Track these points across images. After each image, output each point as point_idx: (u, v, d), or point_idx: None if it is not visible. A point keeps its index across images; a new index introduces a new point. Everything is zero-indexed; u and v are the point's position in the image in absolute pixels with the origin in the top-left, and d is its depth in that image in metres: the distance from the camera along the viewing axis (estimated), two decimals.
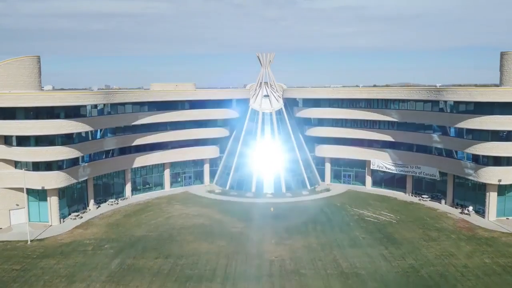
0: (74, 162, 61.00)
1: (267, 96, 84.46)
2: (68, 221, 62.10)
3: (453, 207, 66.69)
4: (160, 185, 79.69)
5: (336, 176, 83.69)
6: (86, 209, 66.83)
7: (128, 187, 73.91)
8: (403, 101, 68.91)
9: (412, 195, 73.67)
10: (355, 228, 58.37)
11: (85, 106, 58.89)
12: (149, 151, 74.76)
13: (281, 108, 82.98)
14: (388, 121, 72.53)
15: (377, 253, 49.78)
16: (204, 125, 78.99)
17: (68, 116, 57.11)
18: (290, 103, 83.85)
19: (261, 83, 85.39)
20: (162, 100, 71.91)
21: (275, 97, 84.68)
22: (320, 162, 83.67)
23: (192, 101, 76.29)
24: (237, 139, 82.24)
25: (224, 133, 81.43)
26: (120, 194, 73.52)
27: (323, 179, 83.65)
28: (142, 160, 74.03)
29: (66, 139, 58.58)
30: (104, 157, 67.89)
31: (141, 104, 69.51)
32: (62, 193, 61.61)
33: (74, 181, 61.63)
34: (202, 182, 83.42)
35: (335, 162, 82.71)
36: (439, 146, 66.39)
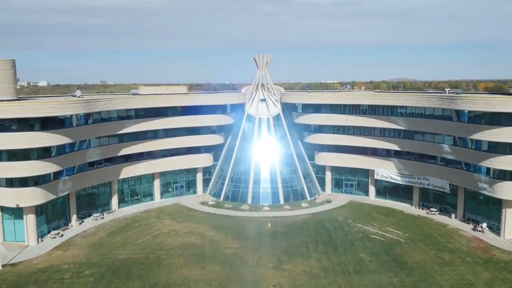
0: (53, 176, 55.62)
1: (264, 100, 79.26)
2: (47, 240, 56.89)
3: (464, 222, 61.88)
4: (150, 195, 74.54)
5: (338, 185, 78.72)
6: (68, 225, 61.64)
7: (114, 200, 68.70)
8: (411, 108, 63.75)
9: (419, 208, 68.81)
10: (360, 249, 53.45)
11: (63, 116, 53.38)
12: (137, 160, 69.55)
13: (279, 114, 77.79)
14: (394, 129, 67.48)
15: (386, 281, 44.90)
16: (196, 132, 73.81)
17: (44, 127, 51.72)
18: (289, 108, 78.72)
19: (257, 85, 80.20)
20: (151, 107, 66.50)
21: (272, 101, 79.47)
22: (320, 170, 78.67)
23: (184, 107, 70.90)
24: (232, 146, 77.11)
25: (218, 140, 76.25)
26: (106, 206, 68.31)
27: (323, 188, 78.69)
28: (129, 171, 68.80)
29: (43, 153, 53.19)
30: (87, 168, 62.51)
31: (128, 111, 64.07)
32: (40, 209, 56.39)
33: (53, 197, 56.39)
34: (194, 192, 78.28)
35: (336, 170, 77.71)
36: (450, 157, 61.40)
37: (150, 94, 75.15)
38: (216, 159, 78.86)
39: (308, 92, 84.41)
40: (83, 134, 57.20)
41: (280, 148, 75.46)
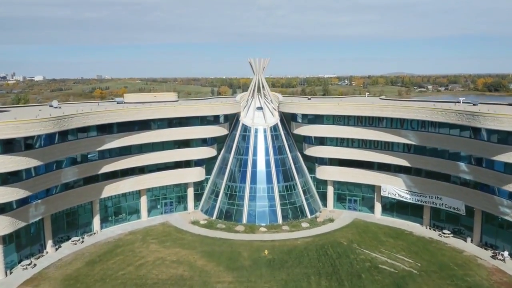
0: (22, 202, 49.24)
1: (260, 108, 72.90)
2: (17, 271, 50.70)
3: (482, 248, 55.92)
4: (136, 213, 68.32)
5: (340, 200, 72.69)
6: (43, 252, 55.42)
7: (96, 220, 62.44)
8: (424, 122, 57.48)
9: (430, 228, 62.84)
10: (369, 283, 47.48)
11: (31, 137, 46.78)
12: (121, 177, 63.22)
13: (277, 123, 71.43)
14: (404, 143, 61.28)
15: None
16: (186, 145, 67.57)
17: (8, 150, 45.21)
18: (287, 116, 72.37)
19: (253, 92, 73.80)
20: (134, 120, 60.04)
21: (269, 109, 73.14)
22: (322, 184, 72.58)
23: (172, 118, 64.48)
24: (226, 159, 70.84)
25: (210, 152, 69.95)
26: (87, 227, 62.12)
27: (324, 203, 72.68)
28: (112, 189, 62.50)
29: (8, 177, 46.72)
30: (64, 189, 56.14)
31: (108, 126, 57.59)
32: (8, 237, 50.12)
33: (23, 224, 50.11)
34: (185, 208, 72.09)
35: (339, 185, 71.63)
36: (467, 177, 55.29)
37: (135, 103, 69.05)
38: (208, 172, 72.67)
39: (309, 99, 77.98)
40: (56, 154, 50.70)
41: (278, 161, 69.18)
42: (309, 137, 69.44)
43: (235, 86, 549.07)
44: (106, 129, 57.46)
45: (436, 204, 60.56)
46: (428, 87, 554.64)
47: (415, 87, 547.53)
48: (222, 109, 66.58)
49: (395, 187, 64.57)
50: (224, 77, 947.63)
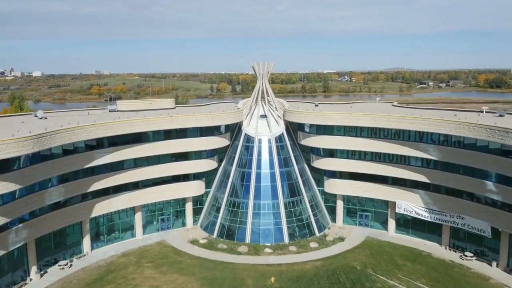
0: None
1: (264, 116, 67.55)
2: None
3: (510, 274, 50.74)
4: (131, 230, 63.10)
5: (350, 214, 67.54)
6: (26, 279, 50.15)
7: (86, 241, 57.18)
8: (446, 135, 52.10)
9: (450, 249, 57.69)
10: None
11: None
12: (113, 194, 57.89)
13: (282, 133, 66.05)
14: (422, 158, 55.97)
15: None
16: (184, 157, 62.25)
17: None
18: (294, 124, 66.92)
19: (257, 98, 68.42)
20: (126, 133, 54.56)
21: (274, 117, 67.79)
22: (330, 197, 67.39)
23: (169, 130, 59.07)
24: (228, 171, 65.54)
25: (210, 165, 64.65)
26: (76, 249, 56.88)
27: (333, 218, 67.59)
28: (104, 206, 57.24)
29: None
30: (49, 210, 50.80)
31: (98, 140, 52.10)
32: None
33: (3, 252, 44.76)
34: (183, 224, 66.89)
35: (349, 198, 66.42)
36: (494, 197, 50.03)
37: (129, 111, 63.81)
38: (208, 185, 67.41)
39: (316, 105, 72.62)
40: (38, 175, 45.26)
41: (283, 174, 63.88)
42: (318, 149, 64.06)
43: (234, 82, 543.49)
44: (95, 144, 51.99)
45: (457, 224, 55.36)
46: (429, 83, 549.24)
47: (416, 84, 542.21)
48: (223, 119, 61.12)
49: (411, 204, 59.37)
50: (223, 72, 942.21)
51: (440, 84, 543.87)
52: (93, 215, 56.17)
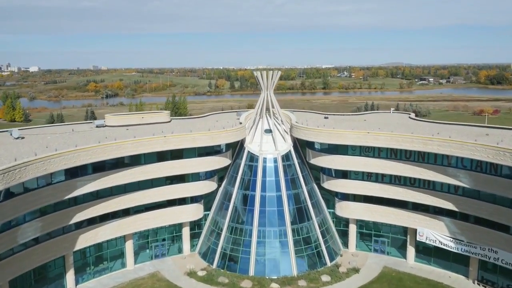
0: None
1: (269, 131, 60.90)
2: None
3: None
4: (121, 258, 56.63)
5: (364, 238, 61.28)
6: None
7: (70, 276, 50.62)
8: (481, 161, 45.48)
9: (479, 284, 51.35)
10: None
11: None
12: (100, 222, 51.29)
13: (289, 151, 59.47)
14: (450, 184, 49.42)
15: None
16: (180, 179, 55.71)
17: None
18: (302, 140, 60.21)
19: (261, 111, 61.75)
20: (114, 158, 47.82)
21: (280, 132, 61.16)
22: (343, 219, 61.05)
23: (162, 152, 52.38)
24: (229, 193, 59.00)
25: (209, 187, 58.14)
26: (59, 284, 50.29)
27: (345, 243, 61.34)
28: (89, 237, 50.65)
29: None
30: (25, 247, 44.14)
31: (81, 167, 45.25)
32: None
33: None
34: (180, 251, 60.53)
35: (363, 221, 60.05)
36: None
37: (118, 126, 57.16)
38: (207, 207, 60.93)
39: (326, 117, 66.09)
40: (7, 214, 38.36)
41: (291, 197, 57.40)
42: (329, 169, 57.51)
43: (233, 78, 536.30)
44: (77, 172, 45.22)
45: (489, 258, 48.99)
46: (430, 79, 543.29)
47: (416, 80, 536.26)
48: (224, 137, 54.37)
49: (435, 232, 52.96)
50: (221, 67, 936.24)
51: (441, 80, 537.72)
52: (77, 247, 49.61)
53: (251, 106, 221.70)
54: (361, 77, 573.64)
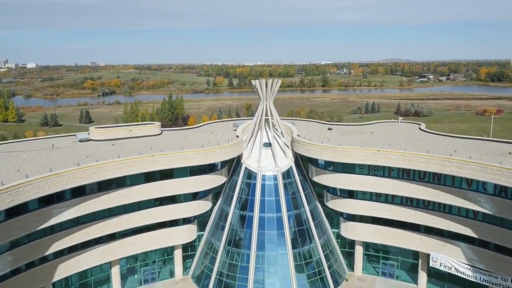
0: None
1: (268, 145, 56.04)
2: None
3: None
4: (107, 285, 51.82)
5: (371, 260, 56.58)
6: None
7: None
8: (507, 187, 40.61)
9: None
10: None
11: None
12: (82, 249, 46.40)
13: (290, 167, 54.61)
14: (469, 208, 44.58)
15: None
16: (172, 199, 50.86)
17: None
18: (304, 156, 55.24)
19: (259, 123, 56.83)
20: (96, 181, 42.78)
21: (280, 146, 56.32)
22: (348, 241, 56.31)
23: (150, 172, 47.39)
24: (225, 213, 54.22)
25: (203, 207, 53.36)
26: None
27: (350, 265, 56.69)
28: (70, 266, 45.75)
29: None
30: None
31: (57, 193, 40.22)
32: None
33: None
34: (171, 274, 55.91)
35: (370, 243, 55.32)
36: None
37: (104, 140, 52.26)
38: (201, 227, 56.16)
39: (330, 129, 61.23)
40: None
41: (293, 218, 52.64)
42: (334, 188, 52.69)
43: (232, 75, 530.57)
44: (53, 199, 40.27)
45: None
46: (430, 76, 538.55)
47: (416, 77, 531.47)
48: (218, 155, 49.39)
49: (450, 259, 48.18)
50: (220, 63, 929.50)
51: (441, 78, 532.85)
52: (56, 278, 44.72)
53: (249, 106, 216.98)
54: (360, 74, 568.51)
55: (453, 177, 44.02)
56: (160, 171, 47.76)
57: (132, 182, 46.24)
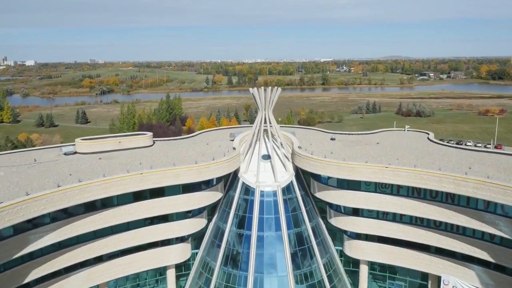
0: None
1: (267, 157, 52.43)
2: None
3: None
4: None
5: (377, 279, 53.06)
6: None
7: None
8: None
9: None
10: None
11: None
12: (65, 274, 42.80)
13: (291, 182, 51.02)
14: (486, 231, 41.01)
15: None
16: (163, 217, 47.24)
17: None
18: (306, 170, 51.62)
19: (258, 134, 53.18)
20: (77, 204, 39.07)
21: (280, 158, 52.71)
22: (352, 260, 52.80)
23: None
24: (221, 231, 50.67)
25: (197, 225, 49.82)
26: None
27: (355, 285, 53.29)
28: None
29: None
30: None
31: (32, 220, 36.53)
32: None
33: None
34: None
35: (376, 262, 51.80)
36: None
37: (90, 153, 48.63)
38: (196, 243, 52.65)
39: (333, 139, 57.68)
40: None
41: (293, 237, 49.08)
42: (338, 205, 49.10)
43: (231, 73, 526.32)
44: (30, 224, 36.65)
45: None
46: (430, 74, 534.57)
47: (416, 75, 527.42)
48: (213, 171, 45.67)
49: (463, 282, 44.63)
50: (219, 61, 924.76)
51: (441, 76, 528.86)
52: None
53: (248, 106, 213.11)
54: (360, 72, 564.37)
55: (468, 196, 40.43)
56: (150, 188, 44.11)
57: (119, 201, 42.60)
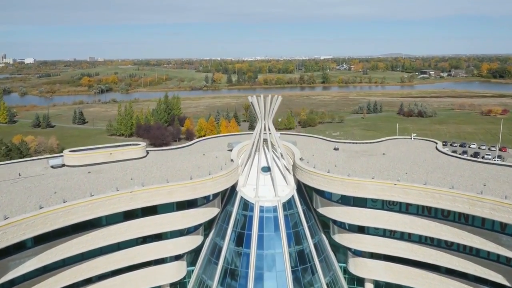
0: None
1: (267, 170, 49.49)
2: None
3: None
4: None
5: None
6: None
7: None
8: None
9: None
10: None
11: None
12: None
13: (292, 196, 48.12)
14: (502, 254, 38.16)
15: None
16: (157, 236, 44.33)
17: None
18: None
19: (257, 145, 50.25)
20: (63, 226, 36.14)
21: (280, 170, 49.78)
22: (357, 278, 49.94)
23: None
24: (218, 248, 47.80)
25: (193, 243, 46.97)
26: None
27: None
28: None
29: None
30: None
31: (16, 245, 33.69)
32: None
33: None
34: None
35: (381, 281, 48.93)
36: None
37: (79, 166, 45.70)
38: (192, 260, 49.76)
39: (336, 149, 54.80)
40: None
41: (295, 256, 46.20)
42: (342, 222, 46.20)
43: (230, 71, 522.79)
44: (10, 249, 33.74)
45: None
46: (431, 73, 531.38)
47: (417, 73, 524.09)
48: (209, 187, 42.76)
49: None
50: (219, 58, 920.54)
51: (442, 74, 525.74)
52: None
53: (248, 106, 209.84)
54: (360, 70, 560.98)
55: (482, 218, 37.54)
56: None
57: (108, 221, 39.71)
